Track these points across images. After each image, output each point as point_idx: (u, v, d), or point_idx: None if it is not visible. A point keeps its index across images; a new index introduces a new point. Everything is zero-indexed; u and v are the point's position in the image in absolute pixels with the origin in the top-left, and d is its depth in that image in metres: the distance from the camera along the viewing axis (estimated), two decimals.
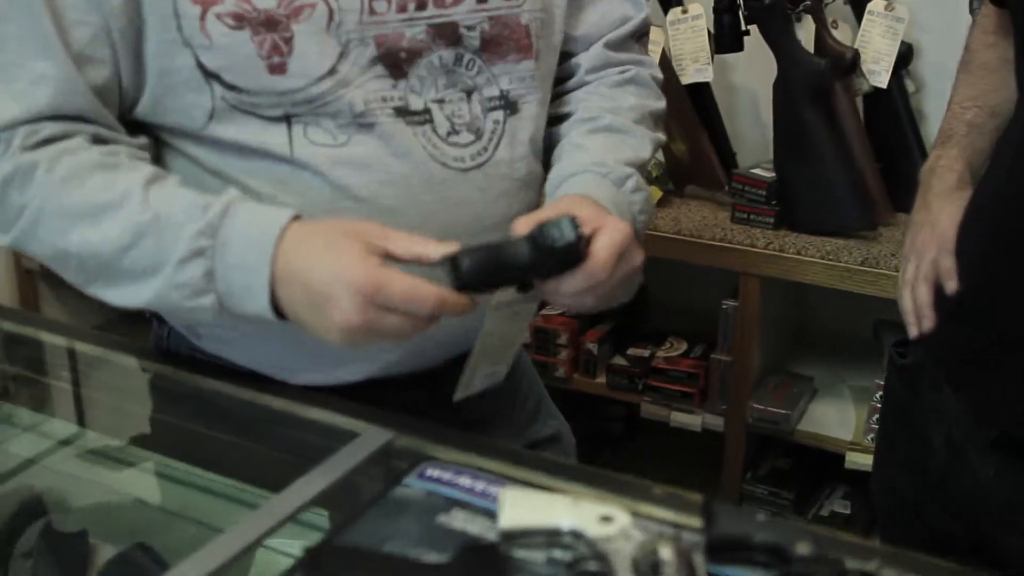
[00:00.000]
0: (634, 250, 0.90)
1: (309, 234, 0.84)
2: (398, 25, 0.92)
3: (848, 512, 2.05)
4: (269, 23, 0.88)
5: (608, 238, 0.87)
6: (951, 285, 1.11)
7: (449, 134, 0.96)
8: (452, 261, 0.81)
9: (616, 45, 1.12)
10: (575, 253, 0.84)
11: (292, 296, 0.83)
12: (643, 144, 1.07)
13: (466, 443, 0.87)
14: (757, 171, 1.95)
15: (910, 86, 2.00)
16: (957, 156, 1.20)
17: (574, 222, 0.83)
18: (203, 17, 0.87)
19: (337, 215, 0.93)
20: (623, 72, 1.11)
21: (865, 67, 1.93)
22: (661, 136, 1.11)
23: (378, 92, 0.92)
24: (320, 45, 0.89)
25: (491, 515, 0.73)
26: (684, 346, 2.12)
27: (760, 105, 2.18)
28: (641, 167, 1.05)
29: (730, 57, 2.05)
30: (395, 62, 0.93)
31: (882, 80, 1.93)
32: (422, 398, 1.01)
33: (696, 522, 0.70)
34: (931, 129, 2.00)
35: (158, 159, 0.97)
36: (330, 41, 0.90)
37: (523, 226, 0.85)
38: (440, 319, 0.81)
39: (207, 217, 0.84)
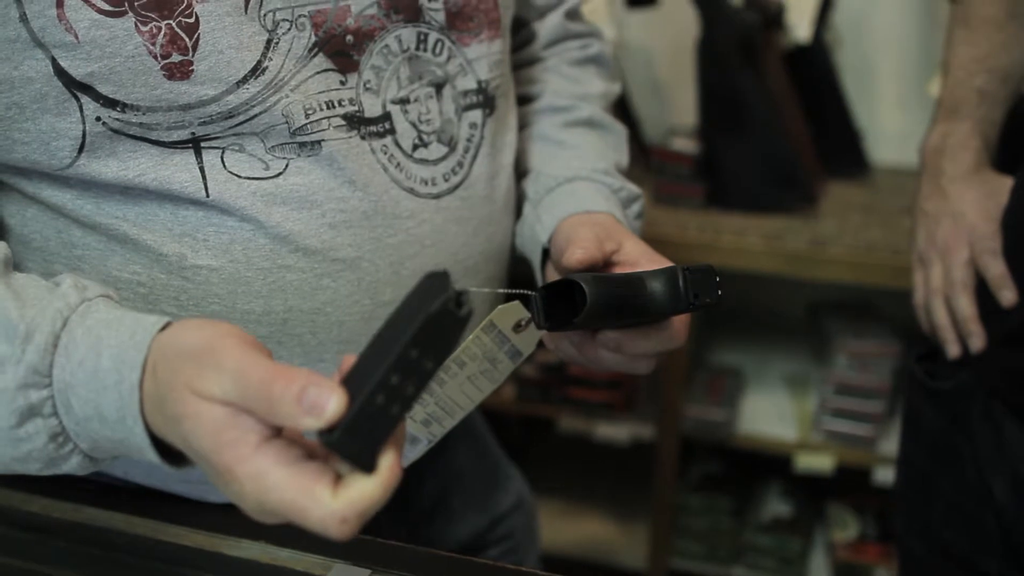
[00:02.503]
0: None
1: (162, 370, 0.54)
2: (370, 8, 0.70)
3: (791, 515, 1.87)
4: (162, 4, 0.62)
5: None
6: (1008, 296, 0.93)
7: (415, 147, 0.75)
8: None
9: (575, 14, 0.94)
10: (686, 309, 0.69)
11: (184, 435, 0.53)
12: (623, 143, 0.92)
13: (458, 570, 0.73)
14: (678, 144, 1.71)
15: (829, 40, 1.81)
16: (970, 132, 1.02)
17: (717, 278, 0.69)
18: (59, 1, 0.60)
19: (274, 278, 0.70)
20: (584, 47, 0.94)
21: (787, 21, 1.71)
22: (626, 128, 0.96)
23: (322, 95, 0.69)
24: (237, 33, 0.65)
25: None
26: None
27: (662, 68, 1.94)
28: (625, 172, 0.89)
29: (626, 16, 1.80)
30: (341, 49, 0.70)
31: (804, 34, 1.73)
32: None
33: None
34: (853, 87, 1.83)
35: None
36: (250, 26, 0.65)
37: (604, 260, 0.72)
38: None
39: (27, 356, 0.56)
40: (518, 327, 0.69)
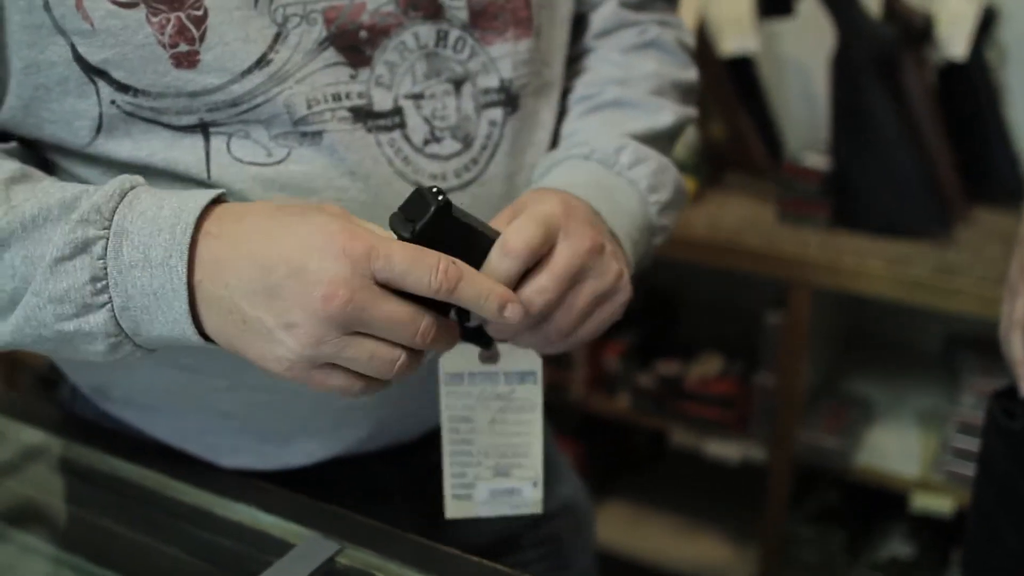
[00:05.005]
0: (602, 267, 0.70)
1: (247, 211, 0.64)
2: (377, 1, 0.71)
3: (912, 557, 1.77)
4: None
5: (559, 258, 0.68)
6: None
7: (427, 142, 0.75)
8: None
9: (636, 4, 0.90)
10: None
11: (230, 288, 0.61)
12: (659, 114, 0.85)
13: (425, 556, 0.73)
14: (809, 160, 1.65)
15: (991, 58, 1.69)
16: None
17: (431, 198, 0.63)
18: None
19: None
20: (642, 34, 0.89)
21: (938, 35, 1.62)
22: (691, 111, 0.89)
23: (329, 87, 0.71)
24: (245, 26, 0.68)
25: None
26: (719, 362, 1.83)
27: (812, 81, 1.88)
28: (656, 139, 0.83)
29: (777, 25, 1.75)
30: (353, 44, 0.72)
31: (959, 51, 1.62)
32: (391, 477, 0.88)
33: None
34: (1016, 109, 1.70)
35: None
36: (259, 19, 0.69)
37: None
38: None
39: (92, 199, 0.63)
40: (488, 357, 0.70)
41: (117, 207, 0.62)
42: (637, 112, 0.85)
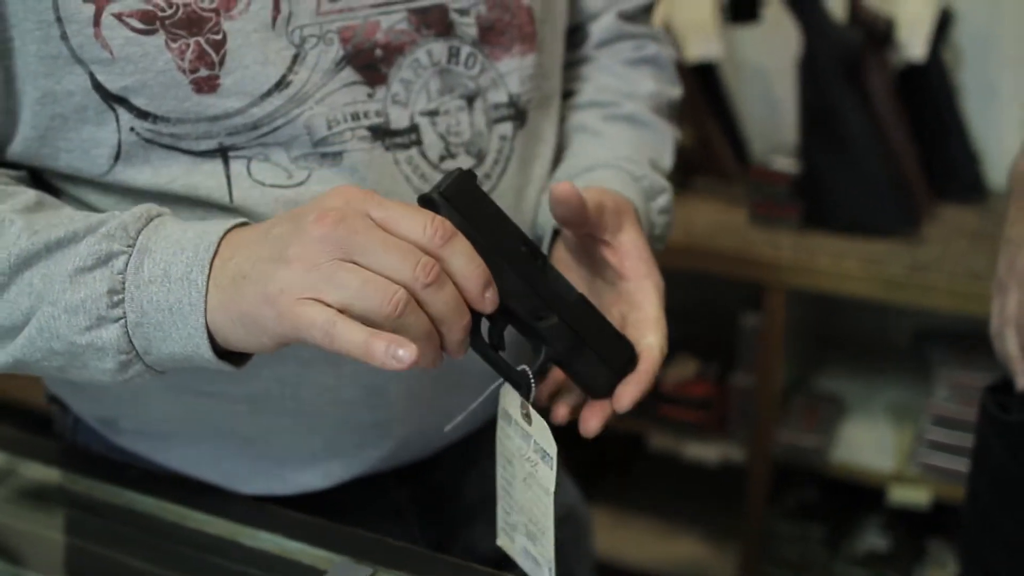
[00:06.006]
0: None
1: (256, 225, 0.63)
2: (370, 12, 0.71)
3: (889, 549, 1.81)
4: (191, 22, 0.66)
5: (654, 310, 0.72)
6: None
7: (443, 158, 0.75)
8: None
9: (631, 16, 0.92)
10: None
11: (241, 270, 0.60)
12: (666, 143, 0.89)
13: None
14: (778, 163, 1.68)
15: (948, 59, 1.74)
16: None
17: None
18: (97, 20, 0.64)
19: None
20: (639, 49, 0.92)
21: (899, 38, 1.66)
22: (678, 132, 0.93)
23: (348, 107, 0.71)
24: (263, 49, 0.68)
25: None
26: (695, 365, 1.85)
27: (772, 85, 1.91)
28: (664, 173, 0.86)
29: (737, 31, 1.78)
30: (369, 62, 0.72)
31: (918, 52, 1.66)
32: (402, 496, 0.88)
33: None
34: (972, 108, 1.75)
35: None
36: (277, 42, 0.68)
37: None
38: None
39: (120, 219, 0.63)
40: (525, 414, 0.66)
41: (143, 228, 0.62)
42: (653, 137, 0.88)
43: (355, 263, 0.57)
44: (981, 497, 1.05)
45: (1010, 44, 1.76)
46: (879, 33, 1.61)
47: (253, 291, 0.58)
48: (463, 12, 0.74)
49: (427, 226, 0.58)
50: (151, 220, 0.63)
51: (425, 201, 0.61)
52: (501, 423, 0.69)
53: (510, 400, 0.67)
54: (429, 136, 0.74)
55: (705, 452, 1.78)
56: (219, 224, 0.62)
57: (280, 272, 0.57)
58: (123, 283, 0.61)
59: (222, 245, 0.61)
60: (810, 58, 1.58)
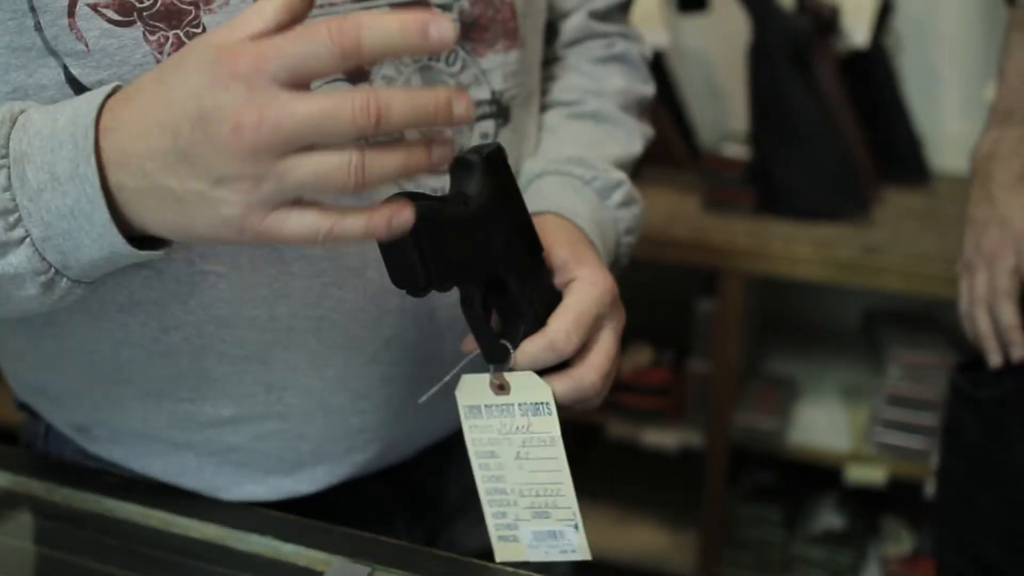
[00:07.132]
0: (614, 313, 0.72)
1: (135, 88, 0.57)
2: (351, 8, 0.69)
3: (844, 527, 1.84)
4: (170, 15, 0.63)
5: (576, 300, 0.69)
6: None
7: None
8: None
9: (602, 15, 0.92)
10: None
11: (148, 172, 0.55)
12: (632, 139, 0.89)
13: (455, 570, 0.73)
14: (729, 150, 1.70)
15: (889, 45, 1.77)
16: (1022, 138, 0.99)
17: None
18: (72, 11, 0.61)
19: (279, 285, 0.71)
20: (609, 47, 0.91)
21: (843, 25, 1.69)
22: (650, 129, 0.93)
23: None
24: None
25: None
26: (650, 352, 1.86)
27: (716, 73, 1.93)
28: (629, 167, 0.87)
29: (682, 20, 1.80)
30: None
31: (862, 39, 1.70)
32: (387, 497, 0.87)
33: None
34: (913, 92, 1.79)
35: None
36: None
37: None
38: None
39: None
40: (499, 385, 0.66)
41: (11, 133, 0.57)
42: (617, 133, 0.87)
43: (296, 153, 0.52)
44: (955, 474, 1.07)
45: (948, 29, 1.80)
46: (824, 21, 1.63)
47: (204, 218, 0.54)
48: (446, 7, 0.72)
49: (329, 38, 0.50)
50: (15, 120, 0.58)
51: (462, 162, 0.63)
52: (469, 423, 0.68)
53: (469, 392, 0.67)
54: (411, 133, 0.73)
55: (663, 439, 1.79)
56: (87, 102, 0.56)
57: (227, 196, 0.53)
58: (13, 200, 0.57)
59: (102, 121, 0.56)
60: (759, 46, 1.60)
